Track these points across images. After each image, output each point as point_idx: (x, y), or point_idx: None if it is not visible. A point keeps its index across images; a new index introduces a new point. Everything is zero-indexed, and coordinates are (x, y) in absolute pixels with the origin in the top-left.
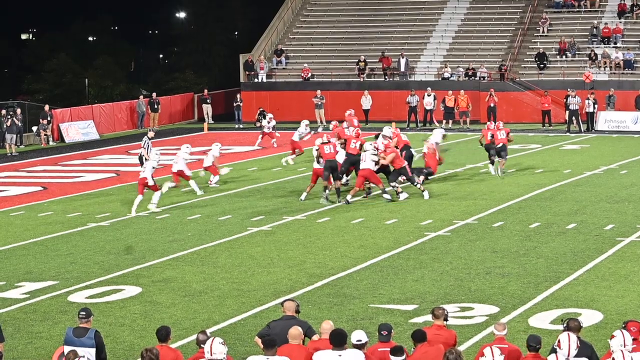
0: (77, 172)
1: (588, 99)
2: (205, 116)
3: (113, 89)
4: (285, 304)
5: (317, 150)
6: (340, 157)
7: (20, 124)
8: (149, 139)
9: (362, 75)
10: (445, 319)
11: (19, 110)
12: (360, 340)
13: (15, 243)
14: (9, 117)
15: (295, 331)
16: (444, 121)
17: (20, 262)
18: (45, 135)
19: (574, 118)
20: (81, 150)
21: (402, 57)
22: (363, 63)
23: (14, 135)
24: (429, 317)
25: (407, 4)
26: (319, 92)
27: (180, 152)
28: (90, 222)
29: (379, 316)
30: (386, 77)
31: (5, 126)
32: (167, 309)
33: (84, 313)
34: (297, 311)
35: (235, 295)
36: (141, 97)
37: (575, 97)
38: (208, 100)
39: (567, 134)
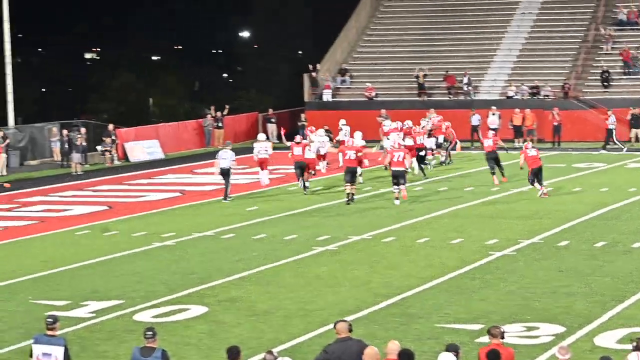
0: (142, 192)
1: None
2: (270, 135)
3: (177, 108)
4: (337, 326)
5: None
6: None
7: (85, 144)
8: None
9: (422, 95)
10: (502, 337)
11: (83, 130)
12: None
13: (81, 262)
14: (78, 136)
15: (372, 350)
16: (516, 139)
17: (85, 281)
18: (109, 154)
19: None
20: (146, 169)
21: (465, 76)
22: (423, 77)
23: (80, 155)
24: None
25: (471, 22)
26: (383, 111)
27: (317, 138)
28: (155, 241)
29: (445, 336)
30: (450, 95)
31: (74, 145)
32: (233, 329)
33: (150, 333)
34: (350, 330)
35: (301, 314)
36: (208, 115)
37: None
38: (273, 120)
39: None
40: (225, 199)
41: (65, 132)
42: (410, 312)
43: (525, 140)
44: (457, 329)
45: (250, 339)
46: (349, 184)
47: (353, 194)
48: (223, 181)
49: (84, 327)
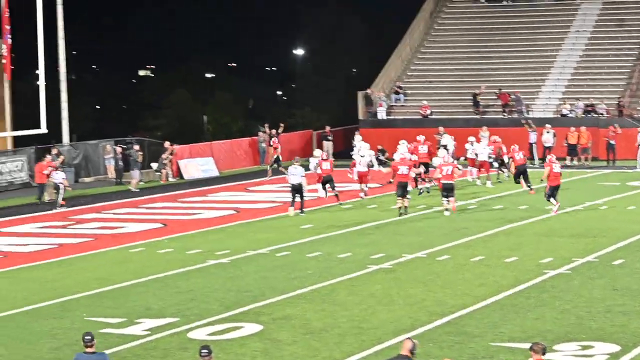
0: (196, 209)
1: None
2: (326, 153)
3: (231, 126)
4: (404, 342)
5: (317, 163)
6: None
7: (139, 161)
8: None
9: (479, 113)
10: (543, 353)
11: (137, 147)
12: None
13: (135, 280)
14: (139, 153)
15: None
16: (569, 158)
17: (139, 299)
18: (164, 171)
19: None
20: (200, 187)
21: (515, 95)
22: (479, 94)
23: (138, 172)
24: (550, 355)
25: (525, 40)
26: (441, 128)
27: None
28: (209, 259)
29: (500, 354)
30: (504, 113)
31: (134, 162)
32: (288, 347)
33: (206, 351)
34: (412, 353)
35: (355, 333)
36: (260, 133)
37: None
38: (329, 137)
39: None
40: (301, 212)
41: (118, 149)
42: (465, 331)
43: (579, 159)
44: (512, 347)
45: (304, 357)
46: (400, 198)
47: (406, 207)
48: (289, 199)
49: (138, 344)
